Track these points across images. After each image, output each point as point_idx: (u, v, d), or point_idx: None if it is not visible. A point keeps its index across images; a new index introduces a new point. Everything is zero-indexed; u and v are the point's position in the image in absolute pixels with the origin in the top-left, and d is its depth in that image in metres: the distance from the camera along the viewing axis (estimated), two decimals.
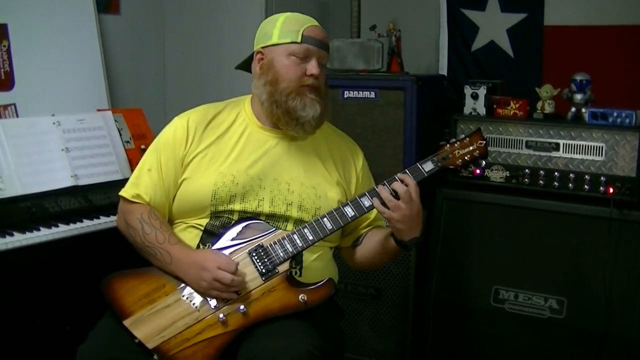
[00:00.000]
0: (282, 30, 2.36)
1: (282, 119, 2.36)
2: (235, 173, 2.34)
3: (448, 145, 2.37)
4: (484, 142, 2.37)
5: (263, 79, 2.37)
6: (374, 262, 2.52)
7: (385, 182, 2.29)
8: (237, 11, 4.01)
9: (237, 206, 2.33)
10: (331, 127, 2.57)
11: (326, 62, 2.43)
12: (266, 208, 2.34)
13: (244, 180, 2.34)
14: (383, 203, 2.25)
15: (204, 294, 2.21)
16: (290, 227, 2.34)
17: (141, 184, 2.39)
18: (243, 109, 2.47)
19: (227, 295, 2.20)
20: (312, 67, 2.34)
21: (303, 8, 4.06)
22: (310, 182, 2.39)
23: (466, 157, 2.36)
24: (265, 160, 2.38)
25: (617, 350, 2.92)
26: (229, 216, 2.33)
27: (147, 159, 2.42)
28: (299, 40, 2.34)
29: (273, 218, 2.34)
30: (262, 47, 2.39)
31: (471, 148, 2.36)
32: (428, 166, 2.33)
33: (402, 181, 2.25)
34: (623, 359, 2.91)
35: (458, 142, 2.37)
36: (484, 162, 2.40)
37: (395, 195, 2.24)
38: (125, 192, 2.42)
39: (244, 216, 2.32)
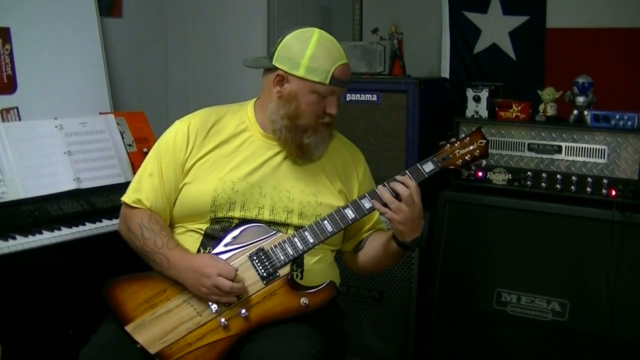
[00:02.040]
0: (311, 64, 2.29)
1: (294, 152, 2.36)
2: (235, 180, 2.34)
3: (448, 145, 2.37)
4: (485, 141, 2.37)
5: (283, 110, 2.33)
6: (376, 265, 2.51)
7: (385, 183, 2.29)
8: (240, 15, 4.01)
9: (236, 213, 2.33)
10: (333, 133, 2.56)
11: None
12: (266, 216, 2.33)
13: (243, 188, 2.33)
14: (384, 205, 2.25)
15: (203, 299, 2.21)
16: (290, 233, 2.32)
17: (142, 189, 2.38)
18: (246, 115, 2.45)
19: (226, 300, 2.20)
20: (333, 107, 2.34)
21: (305, 11, 4.11)
22: (311, 190, 2.38)
23: (467, 157, 2.36)
24: (266, 167, 2.38)
25: (620, 352, 2.91)
26: (229, 221, 2.33)
27: (148, 164, 2.42)
28: (327, 82, 2.29)
29: (273, 226, 2.33)
30: (286, 72, 2.32)
31: (471, 147, 2.36)
32: (428, 167, 2.33)
33: (402, 183, 2.26)
34: None
35: (458, 142, 2.37)
36: (484, 162, 2.39)
37: (397, 196, 2.24)
38: (126, 197, 2.42)
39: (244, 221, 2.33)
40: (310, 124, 2.33)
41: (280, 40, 2.37)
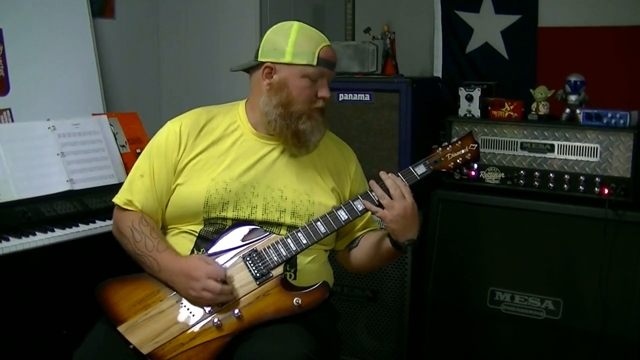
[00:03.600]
0: (296, 49, 2.31)
1: (290, 140, 2.36)
2: (228, 180, 2.34)
3: (440, 148, 2.39)
4: (476, 145, 2.38)
5: (275, 100, 2.34)
6: (370, 264, 2.51)
7: (375, 182, 2.30)
8: (232, 15, 4.01)
9: (229, 213, 2.32)
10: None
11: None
12: (259, 215, 2.33)
13: (236, 188, 2.33)
14: (377, 204, 2.27)
15: (193, 302, 2.21)
16: (283, 233, 2.32)
17: (134, 191, 2.38)
18: (237, 115, 2.45)
19: (218, 302, 2.19)
20: (324, 90, 2.35)
21: (298, 11, 4.11)
22: (303, 189, 2.38)
23: (458, 160, 2.38)
24: (259, 167, 2.37)
25: (613, 350, 2.92)
26: (223, 222, 2.33)
27: (140, 165, 2.42)
28: (314, 63, 2.31)
29: (266, 225, 2.33)
30: (273, 63, 2.34)
31: (463, 151, 2.38)
32: (420, 169, 2.34)
33: (393, 181, 2.27)
34: (619, 359, 2.91)
35: (450, 146, 2.39)
36: (476, 165, 2.41)
37: (388, 194, 2.26)
38: (118, 199, 2.42)
39: (237, 222, 2.33)
40: (304, 110, 2.33)
41: (262, 38, 2.40)
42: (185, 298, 2.22)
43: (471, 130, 2.65)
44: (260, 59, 2.37)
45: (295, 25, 2.36)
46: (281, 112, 2.33)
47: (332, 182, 2.45)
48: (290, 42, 2.32)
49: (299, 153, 2.40)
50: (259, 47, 2.39)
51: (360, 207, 2.30)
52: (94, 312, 2.28)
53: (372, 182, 2.31)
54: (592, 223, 2.97)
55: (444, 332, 3.26)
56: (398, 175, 2.31)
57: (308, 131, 2.34)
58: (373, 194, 2.29)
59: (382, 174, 2.30)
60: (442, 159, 2.37)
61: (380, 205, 2.27)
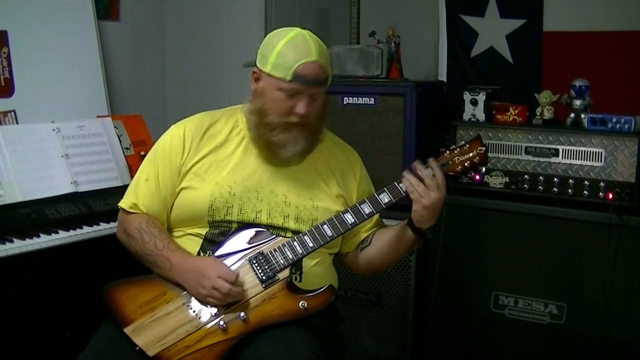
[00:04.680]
0: (276, 60, 2.26)
1: (264, 150, 2.35)
2: (232, 184, 2.34)
3: (448, 152, 2.36)
4: (484, 148, 2.36)
5: (252, 106, 2.34)
6: (387, 258, 2.47)
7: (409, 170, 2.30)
8: (237, 18, 4.02)
9: (234, 217, 2.32)
10: (328, 135, 2.54)
11: (321, 94, 2.33)
12: (264, 219, 2.33)
13: (240, 191, 2.33)
14: (403, 195, 2.27)
15: (201, 301, 2.21)
16: (289, 237, 2.32)
17: (139, 194, 2.39)
18: (240, 119, 2.45)
19: (226, 303, 2.19)
20: (300, 106, 2.27)
21: (303, 14, 4.11)
22: (307, 194, 2.38)
23: (466, 164, 2.35)
24: (262, 171, 2.37)
25: (617, 355, 2.91)
26: (228, 225, 2.33)
27: (145, 169, 2.42)
28: (288, 78, 2.24)
29: (271, 229, 2.33)
30: (259, 69, 2.33)
31: (471, 155, 2.35)
32: (428, 173, 2.32)
33: (432, 168, 2.27)
34: None
35: (458, 149, 2.36)
36: (483, 169, 2.40)
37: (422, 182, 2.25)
38: (123, 202, 2.42)
39: (244, 225, 2.33)
40: (278, 122, 2.29)
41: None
42: (194, 296, 2.22)
43: (479, 133, 2.63)
44: (255, 61, 2.37)
45: (291, 33, 2.30)
46: (256, 120, 2.33)
47: (337, 187, 2.45)
48: (275, 52, 2.27)
49: (277, 164, 2.37)
50: (259, 47, 2.39)
51: (367, 211, 2.29)
52: (98, 314, 2.29)
53: (407, 171, 2.28)
54: (596, 228, 2.97)
55: (447, 336, 3.26)
56: (429, 162, 2.30)
57: (280, 144, 2.31)
58: (401, 185, 2.28)
59: (418, 164, 2.29)
60: (450, 162, 2.34)
61: (405, 198, 2.26)
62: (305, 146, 2.34)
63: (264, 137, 2.32)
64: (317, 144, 2.41)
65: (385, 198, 2.30)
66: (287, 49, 2.26)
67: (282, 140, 2.30)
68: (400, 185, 2.29)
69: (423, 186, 2.24)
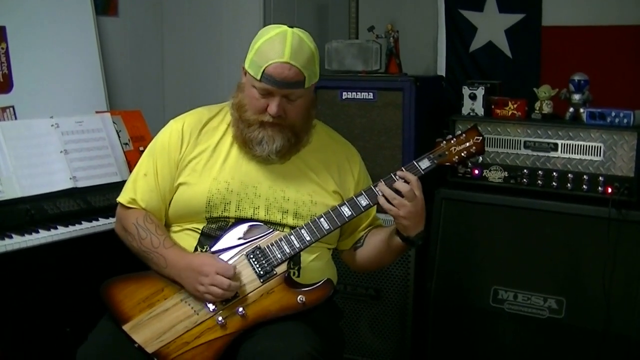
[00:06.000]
0: (253, 58, 2.27)
1: (243, 147, 2.36)
2: (230, 180, 2.34)
3: (444, 142, 2.36)
4: (481, 137, 2.36)
5: (234, 100, 2.36)
6: (378, 262, 2.50)
7: (383, 180, 2.28)
8: (236, 13, 4.01)
9: (232, 213, 2.32)
10: (326, 131, 2.55)
11: (298, 95, 2.30)
12: (262, 215, 2.33)
13: (238, 188, 2.33)
14: (387, 201, 2.25)
15: (200, 298, 2.21)
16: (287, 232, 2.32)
17: (137, 189, 2.39)
18: None
19: (225, 298, 2.19)
20: (272, 106, 2.27)
21: (301, 9, 4.10)
22: (306, 189, 2.38)
23: (463, 154, 2.35)
24: (261, 167, 2.37)
25: (616, 349, 2.92)
26: (225, 220, 2.33)
27: (143, 164, 2.42)
28: (258, 77, 2.24)
29: (269, 225, 2.32)
30: (244, 64, 2.34)
31: (467, 144, 2.35)
32: (424, 164, 2.32)
33: (403, 178, 2.25)
34: (622, 358, 2.91)
35: (454, 139, 2.36)
36: (480, 159, 2.39)
37: (398, 192, 2.24)
38: (121, 197, 2.42)
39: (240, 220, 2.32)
40: (254, 119, 2.30)
41: None
42: (192, 293, 2.22)
43: (475, 123, 2.62)
44: None
45: (274, 32, 2.28)
46: (235, 115, 2.35)
47: (334, 183, 2.44)
48: (254, 49, 2.28)
49: (252, 159, 2.36)
50: None
51: (364, 203, 2.29)
52: (98, 310, 2.29)
53: (381, 183, 2.28)
54: (596, 222, 2.97)
55: (446, 330, 3.26)
56: (403, 170, 2.29)
57: (255, 141, 2.31)
58: (382, 193, 2.26)
59: (398, 173, 2.28)
60: (447, 152, 2.34)
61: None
62: (283, 145, 2.32)
63: (242, 133, 2.33)
64: (303, 143, 2.40)
65: (387, 189, 2.29)
66: (264, 48, 2.26)
67: (258, 137, 2.31)
68: (396, 176, 2.28)
69: (399, 198, 2.23)
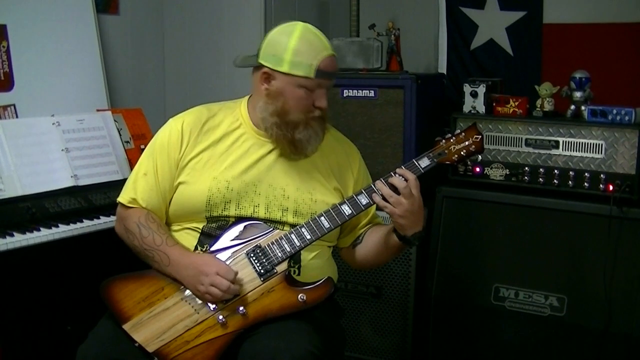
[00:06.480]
0: (294, 59, 2.26)
1: (287, 148, 2.35)
2: (230, 179, 2.33)
3: (444, 140, 2.36)
4: (480, 136, 2.36)
5: (271, 107, 2.31)
6: (376, 260, 2.50)
7: (382, 179, 2.28)
8: (236, 11, 4.01)
9: (232, 212, 2.32)
10: (326, 128, 2.55)
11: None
12: (262, 214, 2.33)
13: (238, 186, 2.33)
14: (384, 198, 2.25)
15: (200, 297, 2.21)
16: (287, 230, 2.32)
17: (137, 189, 2.38)
18: (239, 113, 2.44)
19: (224, 299, 2.19)
20: (322, 100, 2.31)
21: (302, 7, 4.10)
22: (306, 187, 2.38)
23: (462, 152, 2.35)
24: (260, 165, 2.37)
25: (617, 347, 2.92)
26: (226, 219, 2.33)
27: (143, 163, 2.42)
28: (312, 75, 2.26)
29: (269, 223, 2.32)
30: (271, 69, 2.30)
31: (467, 143, 2.35)
32: (424, 162, 2.32)
33: (401, 176, 2.25)
34: (623, 356, 2.91)
35: (454, 138, 2.36)
36: (480, 157, 2.39)
37: (395, 190, 2.24)
38: (122, 197, 2.41)
39: (240, 218, 2.32)
40: (301, 119, 2.31)
41: (265, 37, 2.36)
42: (193, 292, 2.22)
43: (475, 121, 2.62)
44: (260, 60, 2.33)
45: (297, 29, 2.30)
46: (277, 121, 2.31)
47: (335, 181, 2.45)
48: (289, 50, 2.27)
49: (297, 158, 2.38)
50: (261, 46, 2.35)
51: (364, 201, 2.29)
52: (98, 308, 2.29)
53: (378, 181, 2.28)
54: (597, 220, 2.97)
55: (447, 328, 3.26)
56: (402, 168, 2.29)
57: (304, 140, 2.32)
58: (380, 191, 2.26)
59: (397, 170, 2.28)
60: (446, 151, 2.34)
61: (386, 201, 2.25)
62: (322, 139, 2.38)
63: (287, 137, 2.32)
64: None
65: (384, 188, 2.29)
66: (303, 46, 2.27)
67: (306, 136, 2.32)
68: (396, 175, 2.28)
69: (396, 196, 2.24)
